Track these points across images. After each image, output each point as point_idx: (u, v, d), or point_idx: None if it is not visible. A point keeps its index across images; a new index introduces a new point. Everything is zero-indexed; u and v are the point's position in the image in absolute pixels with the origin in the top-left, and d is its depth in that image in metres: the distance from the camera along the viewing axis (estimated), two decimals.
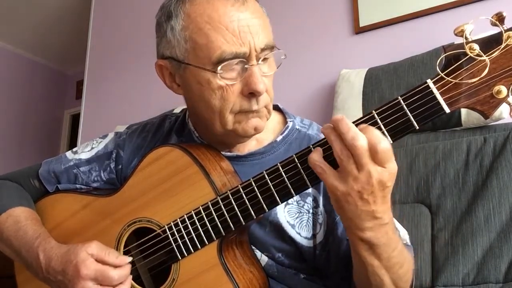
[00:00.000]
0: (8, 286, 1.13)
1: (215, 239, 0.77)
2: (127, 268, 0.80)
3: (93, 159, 0.98)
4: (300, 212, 0.84)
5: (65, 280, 0.78)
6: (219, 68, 0.76)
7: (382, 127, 0.64)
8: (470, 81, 0.62)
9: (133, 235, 0.86)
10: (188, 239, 0.79)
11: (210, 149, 0.86)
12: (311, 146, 0.69)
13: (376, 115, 0.65)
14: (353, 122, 0.65)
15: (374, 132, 0.62)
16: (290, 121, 0.92)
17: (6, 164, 4.00)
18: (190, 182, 0.80)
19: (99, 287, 0.77)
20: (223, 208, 0.76)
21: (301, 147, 0.71)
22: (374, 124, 0.64)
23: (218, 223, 0.76)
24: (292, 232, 0.83)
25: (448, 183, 1.42)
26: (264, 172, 0.73)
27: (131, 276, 0.81)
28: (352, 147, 0.60)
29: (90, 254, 0.78)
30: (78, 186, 0.99)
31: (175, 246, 0.80)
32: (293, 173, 0.70)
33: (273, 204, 0.73)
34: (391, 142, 0.64)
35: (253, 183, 0.74)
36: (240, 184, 0.75)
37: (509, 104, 0.62)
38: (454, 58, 0.63)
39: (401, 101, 0.64)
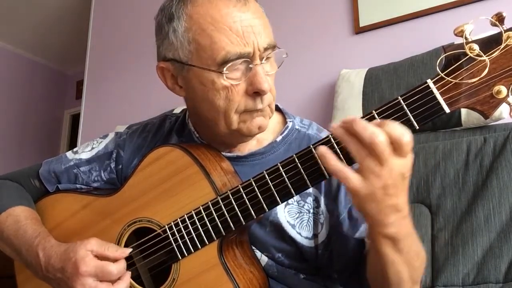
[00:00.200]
0: (8, 286, 1.13)
1: (215, 239, 0.77)
2: (125, 262, 0.80)
3: (93, 159, 0.99)
4: (301, 212, 0.84)
5: (64, 278, 0.78)
6: (224, 69, 0.76)
7: None
8: (470, 81, 0.62)
9: (133, 235, 0.86)
10: (188, 239, 0.79)
11: (210, 149, 0.86)
12: (311, 146, 0.69)
13: (376, 115, 0.65)
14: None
15: (395, 125, 0.60)
16: (290, 121, 0.92)
17: (6, 164, 4.00)
18: (191, 182, 0.80)
19: (98, 283, 0.77)
20: (223, 208, 0.76)
21: (301, 147, 0.71)
22: None
23: (218, 223, 0.76)
24: (292, 232, 0.83)
25: (448, 183, 1.42)
26: (265, 172, 0.73)
27: (129, 273, 0.81)
28: (372, 144, 0.59)
29: (90, 251, 0.78)
30: (78, 186, 0.99)
31: (175, 246, 0.80)
32: (293, 173, 0.70)
33: (273, 204, 0.73)
34: None
35: (253, 183, 0.74)
36: (241, 184, 0.75)
37: (509, 104, 0.62)
38: (454, 58, 0.63)
39: (401, 101, 0.64)
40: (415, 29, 1.92)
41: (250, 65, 0.77)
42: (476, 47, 0.61)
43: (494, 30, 0.62)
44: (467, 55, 0.62)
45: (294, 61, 2.12)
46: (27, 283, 0.95)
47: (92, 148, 1.00)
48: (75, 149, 1.03)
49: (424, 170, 1.46)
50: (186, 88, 0.85)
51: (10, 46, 4.55)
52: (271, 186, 0.72)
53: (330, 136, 0.68)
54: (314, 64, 2.14)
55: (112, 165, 0.97)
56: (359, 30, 2.05)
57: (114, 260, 0.79)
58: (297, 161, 0.70)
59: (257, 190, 0.73)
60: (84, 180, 0.98)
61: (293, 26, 2.21)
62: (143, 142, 0.97)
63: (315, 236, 0.84)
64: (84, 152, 1.00)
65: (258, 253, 0.84)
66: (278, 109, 0.96)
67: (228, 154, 0.88)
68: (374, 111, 0.65)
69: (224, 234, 0.76)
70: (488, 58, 0.61)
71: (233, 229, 0.76)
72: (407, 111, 0.64)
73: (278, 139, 0.89)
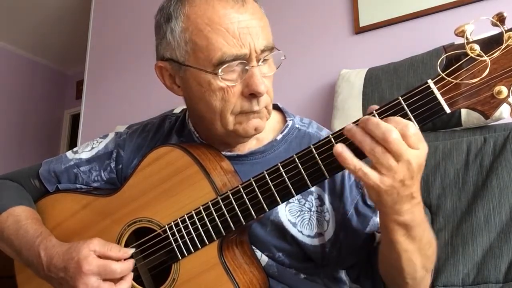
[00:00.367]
0: (8, 286, 1.13)
1: (215, 239, 0.77)
2: (130, 262, 0.81)
3: (93, 158, 0.99)
4: (302, 211, 0.84)
5: (67, 277, 0.78)
6: (219, 70, 0.76)
7: None
8: (470, 81, 0.62)
9: (133, 235, 0.86)
10: (188, 239, 0.79)
11: (210, 149, 0.86)
12: (311, 146, 0.69)
13: (377, 116, 0.65)
14: (354, 122, 0.65)
15: (398, 120, 0.62)
16: (290, 120, 0.92)
17: (6, 164, 4.00)
18: (191, 182, 0.80)
19: (101, 282, 0.77)
20: (224, 208, 0.76)
21: (301, 146, 0.72)
22: None
23: (219, 223, 0.76)
24: (293, 231, 0.83)
25: (448, 183, 1.42)
26: (265, 172, 0.73)
27: (132, 273, 0.81)
28: (387, 141, 0.60)
29: (92, 251, 0.78)
30: (78, 186, 0.99)
31: (175, 246, 0.80)
32: (293, 173, 0.70)
33: (273, 204, 0.73)
34: None
35: (253, 183, 0.74)
36: (241, 184, 0.75)
37: (509, 104, 0.62)
38: (454, 58, 0.63)
39: (402, 101, 0.64)
40: (415, 29, 1.92)
41: (247, 67, 0.77)
42: (477, 47, 0.61)
43: (495, 30, 0.62)
44: (468, 55, 0.62)
45: (294, 61, 2.13)
46: (27, 283, 0.95)
47: (92, 148, 1.00)
48: (75, 149, 1.03)
49: (424, 170, 1.45)
50: (183, 88, 0.85)
51: (11, 46, 4.55)
52: (271, 186, 0.72)
53: (330, 136, 0.68)
54: (314, 64, 2.14)
55: (112, 165, 0.97)
56: (359, 30, 2.05)
57: (117, 260, 0.79)
58: (297, 161, 0.70)
59: (257, 190, 0.73)
60: (84, 180, 0.98)
61: (293, 26, 2.21)
62: (143, 142, 0.97)
63: (319, 234, 0.84)
64: (84, 152, 1.00)
65: (258, 253, 0.85)
66: (278, 108, 0.96)
67: (228, 153, 0.88)
68: (374, 111, 0.65)
69: (224, 234, 0.76)
70: (489, 59, 0.61)
71: (233, 229, 0.76)
72: (408, 111, 0.64)
73: (278, 137, 0.89)
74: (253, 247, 0.84)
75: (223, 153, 0.88)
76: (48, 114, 4.86)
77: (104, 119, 2.87)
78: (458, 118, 1.48)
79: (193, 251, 0.79)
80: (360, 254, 0.84)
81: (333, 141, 0.67)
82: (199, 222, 0.78)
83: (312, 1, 2.22)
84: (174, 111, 1.08)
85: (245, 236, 0.83)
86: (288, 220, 0.84)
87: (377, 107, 0.66)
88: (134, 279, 0.83)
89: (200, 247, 0.78)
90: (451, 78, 0.63)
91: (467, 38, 0.62)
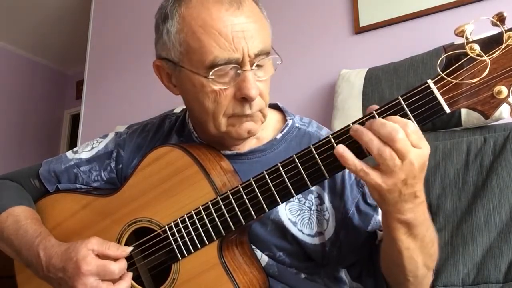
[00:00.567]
0: (8, 286, 1.13)
1: (215, 239, 0.77)
2: (125, 261, 0.81)
3: (93, 158, 0.99)
4: (301, 210, 0.84)
5: (66, 277, 0.78)
6: (211, 73, 0.76)
7: None
8: (470, 81, 0.62)
9: (133, 235, 0.86)
10: (188, 239, 0.79)
11: (210, 149, 0.86)
12: (311, 146, 0.69)
13: (376, 116, 0.65)
14: (354, 122, 0.65)
15: (397, 119, 0.62)
16: (290, 119, 0.92)
17: (6, 164, 4.00)
18: (190, 182, 0.80)
19: (100, 283, 0.77)
20: (223, 208, 0.76)
21: (301, 145, 0.71)
22: None
23: (218, 223, 0.76)
24: (294, 230, 0.83)
25: (448, 183, 1.42)
26: (265, 172, 0.73)
27: (131, 273, 0.81)
28: (393, 140, 0.60)
29: (91, 250, 0.78)
30: (78, 186, 0.99)
31: (175, 246, 0.80)
32: (293, 173, 0.70)
33: (273, 204, 0.73)
34: None
35: (253, 183, 0.74)
36: (241, 184, 0.75)
37: (509, 104, 0.62)
38: (454, 58, 0.63)
39: (402, 101, 0.64)
40: (415, 29, 1.92)
41: (239, 71, 0.77)
42: (476, 47, 0.61)
43: (494, 30, 0.62)
44: (468, 55, 0.62)
45: (294, 61, 2.13)
46: (27, 283, 0.95)
47: (92, 148, 1.00)
48: (75, 149, 1.03)
49: None
50: (179, 88, 0.85)
51: (11, 46, 4.55)
52: (271, 186, 0.72)
53: (330, 136, 0.68)
54: (314, 64, 2.14)
55: (112, 165, 0.97)
56: (359, 30, 2.05)
57: (115, 259, 0.79)
58: (297, 161, 0.70)
59: (257, 190, 0.73)
60: (84, 180, 0.98)
61: (293, 26, 2.21)
62: (143, 142, 0.97)
63: (320, 233, 0.84)
64: (84, 151, 1.00)
65: (258, 253, 0.85)
66: (278, 107, 0.96)
67: (228, 152, 0.88)
68: (374, 111, 0.65)
69: (224, 234, 0.76)
70: (489, 58, 0.61)
71: (233, 229, 0.76)
72: (408, 111, 0.64)
73: (278, 136, 0.89)
74: (254, 247, 0.84)
75: (223, 151, 0.88)
76: (48, 114, 4.86)
77: (104, 119, 2.87)
78: (458, 118, 1.48)
79: (193, 251, 0.79)
80: (361, 252, 0.84)
81: (333, 141, 0.67)
82: (199, 222, 0.78)
83: (312, 1, 2.22)
84: (174, 111, 1.09)
85: (245, 237, 0.83)
86: (289, 219, 0.84)
87: (376, 107, 0.66)
88: (134, 279, 0.83)
89: (200, 247, 0.78)
90: (451, 78, 0.63)
91: (467, 38, 0.62)
